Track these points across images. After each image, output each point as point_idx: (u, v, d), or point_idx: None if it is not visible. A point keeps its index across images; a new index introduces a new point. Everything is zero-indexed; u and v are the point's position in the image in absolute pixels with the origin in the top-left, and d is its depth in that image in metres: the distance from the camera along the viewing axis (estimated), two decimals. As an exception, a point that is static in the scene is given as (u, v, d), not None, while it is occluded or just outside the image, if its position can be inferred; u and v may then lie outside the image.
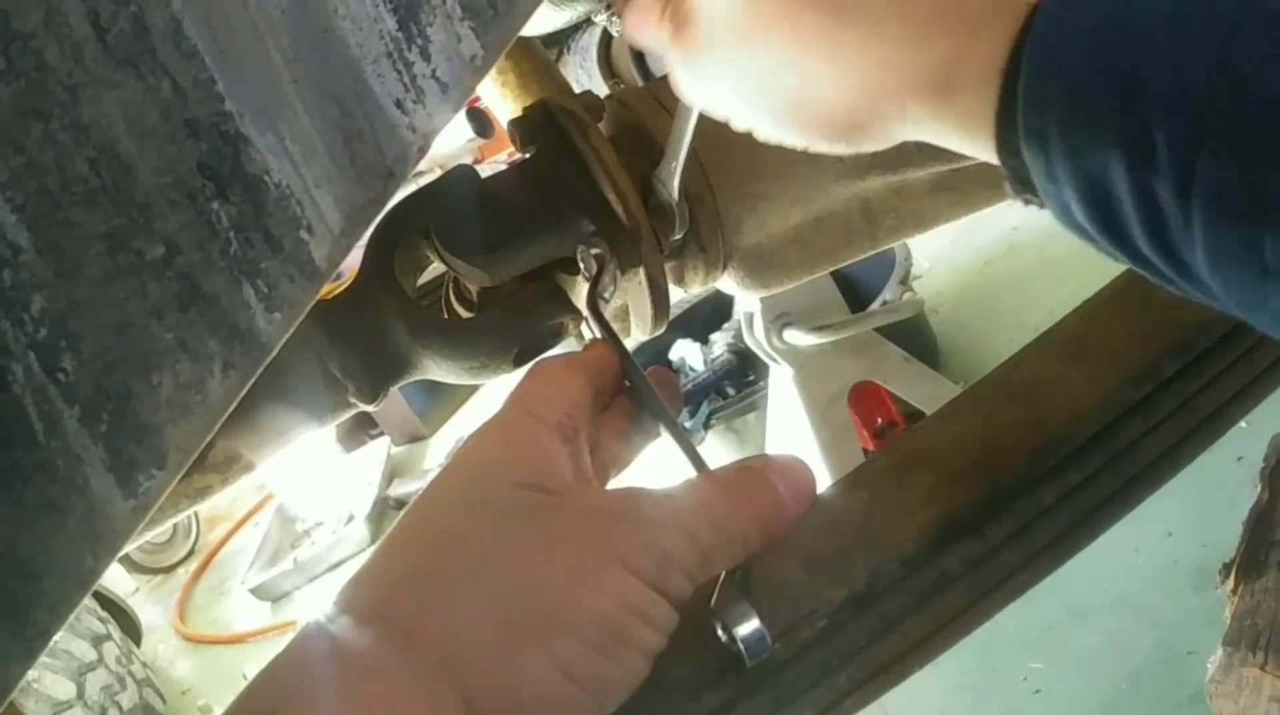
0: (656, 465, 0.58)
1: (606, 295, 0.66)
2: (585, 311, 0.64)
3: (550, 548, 0.44)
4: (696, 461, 0.52)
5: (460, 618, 0.43)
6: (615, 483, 0.57)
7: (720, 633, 0.47)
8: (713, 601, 0.48)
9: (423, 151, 0.44)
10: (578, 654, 0.42)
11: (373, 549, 0.48)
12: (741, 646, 0.46)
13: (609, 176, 0.70)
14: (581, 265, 0.70)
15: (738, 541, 0.48)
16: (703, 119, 0.77)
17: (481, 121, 2.53)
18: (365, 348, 0.70)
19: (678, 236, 0.74)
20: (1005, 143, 0.38)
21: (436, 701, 0.41)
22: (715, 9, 0.47)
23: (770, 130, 0.49)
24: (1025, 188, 0.39)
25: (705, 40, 0.48)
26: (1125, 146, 0.33)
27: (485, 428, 0.51)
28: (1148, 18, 0.33)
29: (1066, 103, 0.35)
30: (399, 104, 0.43)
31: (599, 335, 0.60)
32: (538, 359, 0.58)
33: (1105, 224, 0.36)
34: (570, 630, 0.42)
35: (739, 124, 0.51)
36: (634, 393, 0.57)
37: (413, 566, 0.45)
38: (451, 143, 3.47)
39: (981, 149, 0.40)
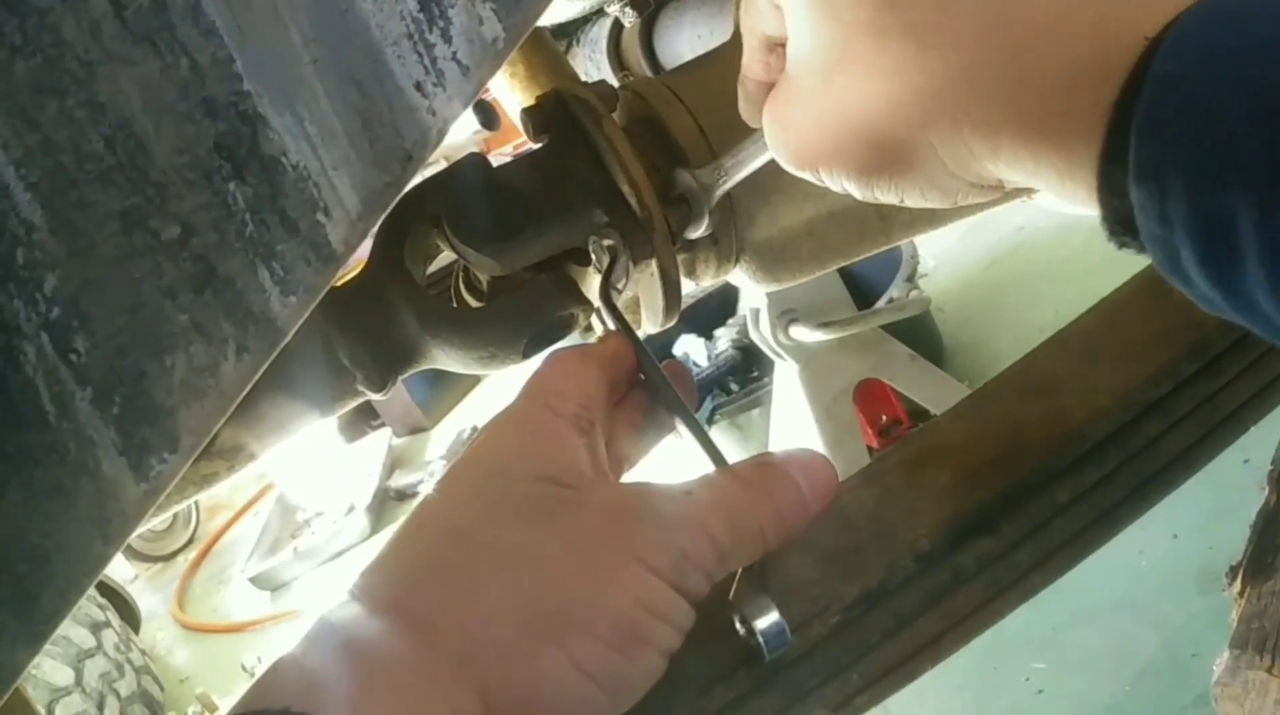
0: (673, 459, 0.58)
1: (619, 286, 0.66)
2: (599, 303, 0.63)
3: (569, 544, 0.44)
4: (714, 456, 0.51)
5: (478, 613, 0.42)
6: (629, 476, 0.56)
7: (739, 626, 0.47)
8: (731, 595, 0.47)
9: (442, 134, 0.44)
10: (596, 652, 0.42)
11: (375, 539, 0.47)
12: (761, 640, 0.46)
13: (623, 167, 0.69)
14: (593, 256, 0.69)
15: (756, 539, 0.47)
16: (723, 114, 0.76)
17: (488, 113, 2.52)
18: (374, 336, 0.69)
19: (704, 234, 0.73)
20: (1110, 181, 0.35)
21: (453, 697, 0.40)
22: (799, 51, 0.45)
23: (858, 182, 0.46)
24: (1125, 231, 0.36)
25: (793, 89, 0.46)
26: (1260, 189, 0.29)
27: (500, 419, 0.51)
28: None
29: (1193, 137, 0.31)
30: (419, 86, 0.43)
31: (611, 327, 0.60)
32: (550, 350, 0.58)
33: (1220, 274, 0.32)
34: (589, 629, 0.42)
35: (831, 181, 0.47)
36: (649, 386, 0.57)
37: (429, 560, 0.45)
38: (458, 134, 3.46)
39: (1079, 188, 0.37)
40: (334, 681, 0.40)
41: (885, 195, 0.45)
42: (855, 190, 0.46)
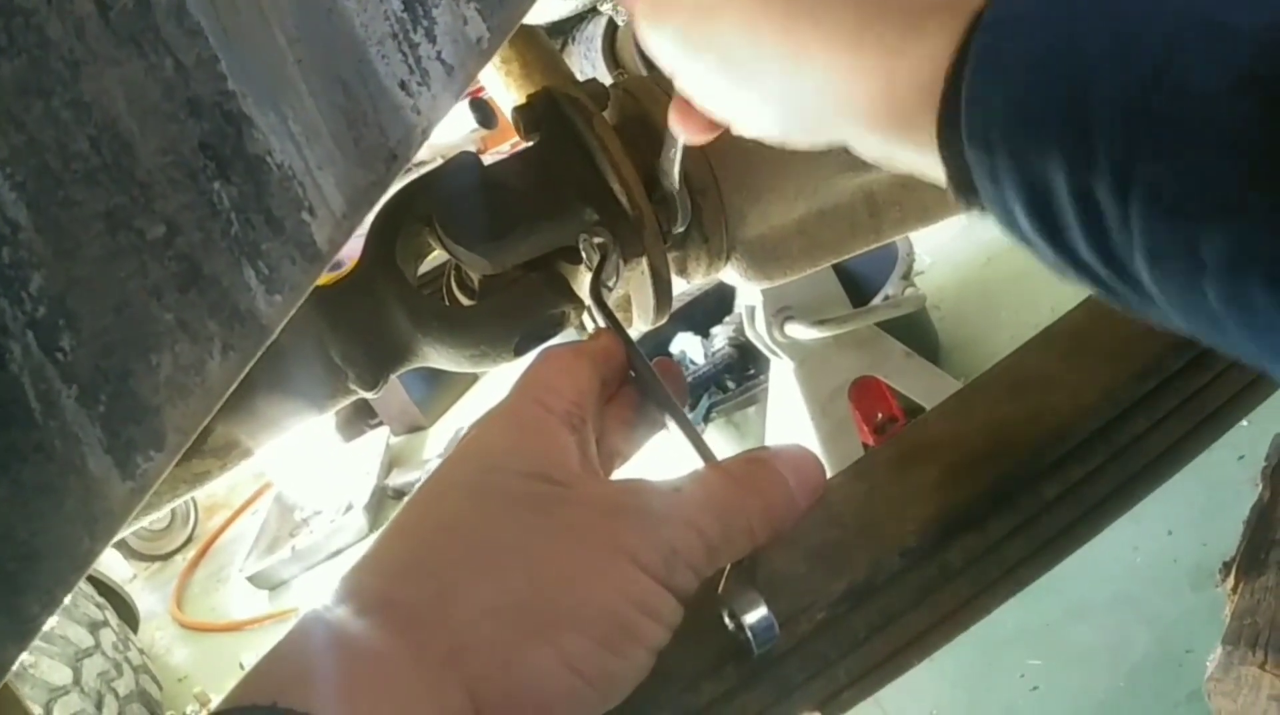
0: (664, 456, 0.58)
1: (610, 284, 0.66)
2: (589, 301, 0.63)
3: (558, 541, 0.44)
4: (704, 452, 0.51)
5: (467, 609, 0.42)
6: (620, 473, 0.57)
7: (727, 620, 0.47)
8: (720, 589, 0.47)
9: (426, 134, 0.44)
10: (585, 649, 0.42)
11: (373, 537, 0.47)
12: (750, 634, 0.46)
13: (613, 165, 0.69)
14: (584, 254, 0.69)
15: (744, 535, 0.47)
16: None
17: (485, 112, 2.52)
18: (366, 334, 0.70)
19: (680, 228, 0.73)
20: (948, 145, 0.38)
21: (440, 692, 0.40)
22: None
23: (725, 108, 0.50)
24: (969, 192, 0.39)
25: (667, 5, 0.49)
26: (1066, 148, 0.33)
27: (492, 415, 0.51)
28: (1092, 23, 0.33)
29: (1012, 106, 0.35)
30: (403, 86, 0.43)
31: (602, 325, 0.60)
32: (542, 347, 0.58)
33: (1046, 227, 0.36)
34: (577, 625, 0.42)
35: (693, 93, 0.52)
36: (639, 383, 0.57)
37: (419, 555, 0.45)
38: (454, 133, 3.46)
39: (923, 152, 0.40)
40: (322, 677, 0.40)
41: (722, 110, 0.50)
42: (717, 109, 0.51)
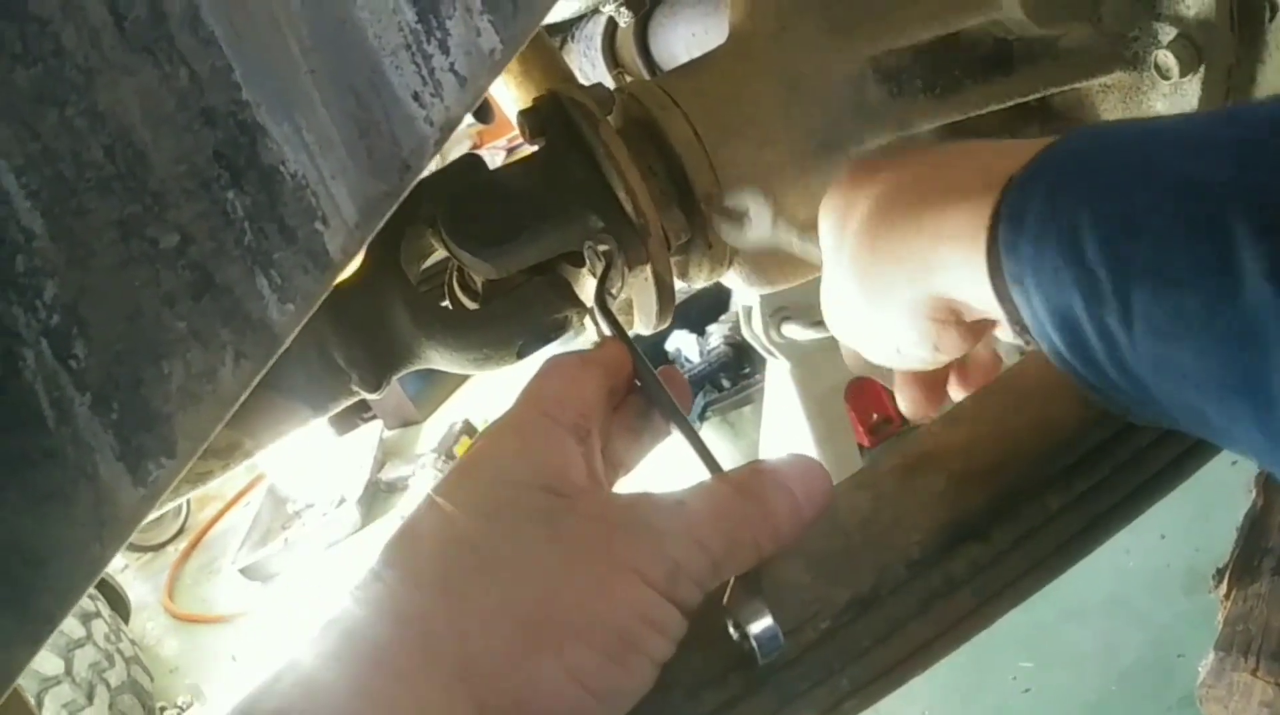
0: (668, 464, 0.58)
1: (614, 292, 0.66)
2: (594, 308, 0.63)
3: (564, 554, 0.44)
4: (709, 461, 0.51)
5: (475, 621, 0.42)
6: (623, 484, 0.57)
7: (732, 630, 0.47)
8: (725, 599, 0.47)
9: (439, 145, 0.44)
10: (590, 662, 0.42)
11: (367, 531, 0.48)
12: (755, 644, 0.46)
13: (619, 173, 0.69)
14: (588, 261, 0.69)
15: (749, 548, 0.47)
16: (719, 119, 0.77)
17: (483, 107, 2.51)
18: (369, 337, 0.70)
19: (709, 267, 0.74)
20: (998, 291, 0.44)
21: (450, 705, 0.41)
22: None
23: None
24: (1025, 329, 0.45)
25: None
26: (1079, 287, 0.40)
27: (499, 426, 0.51)
28: (1085, 183, 0.41)
29: (1033, 254, 0.42)
30: (416, 97, 0.43)
31: (606, 331, 0.60)
32: (550, 356, 0.58)
33: (1079, 353, 0.42)
34: (584, 638, 0.42)
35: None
36: (645, 392, 0.57)
37: (428, 568, 0.45)
38: (451, 127, 3.45)
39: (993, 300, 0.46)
40: (330, 688, 0.40)
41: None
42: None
